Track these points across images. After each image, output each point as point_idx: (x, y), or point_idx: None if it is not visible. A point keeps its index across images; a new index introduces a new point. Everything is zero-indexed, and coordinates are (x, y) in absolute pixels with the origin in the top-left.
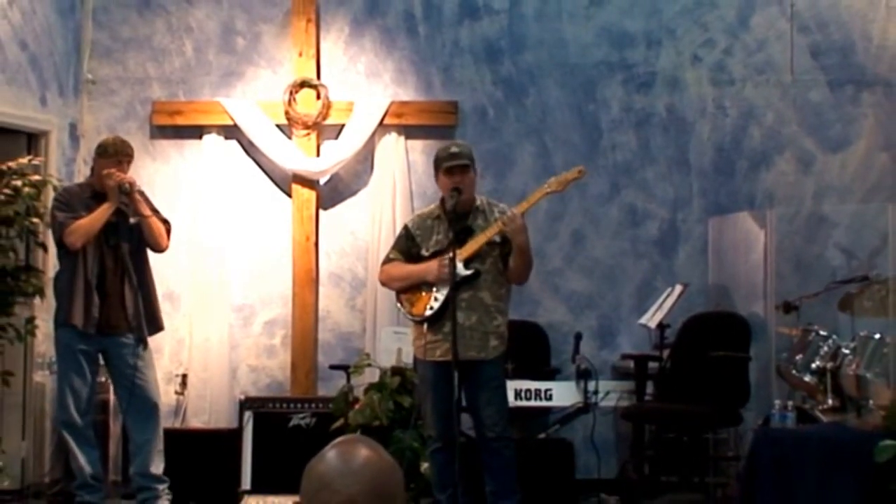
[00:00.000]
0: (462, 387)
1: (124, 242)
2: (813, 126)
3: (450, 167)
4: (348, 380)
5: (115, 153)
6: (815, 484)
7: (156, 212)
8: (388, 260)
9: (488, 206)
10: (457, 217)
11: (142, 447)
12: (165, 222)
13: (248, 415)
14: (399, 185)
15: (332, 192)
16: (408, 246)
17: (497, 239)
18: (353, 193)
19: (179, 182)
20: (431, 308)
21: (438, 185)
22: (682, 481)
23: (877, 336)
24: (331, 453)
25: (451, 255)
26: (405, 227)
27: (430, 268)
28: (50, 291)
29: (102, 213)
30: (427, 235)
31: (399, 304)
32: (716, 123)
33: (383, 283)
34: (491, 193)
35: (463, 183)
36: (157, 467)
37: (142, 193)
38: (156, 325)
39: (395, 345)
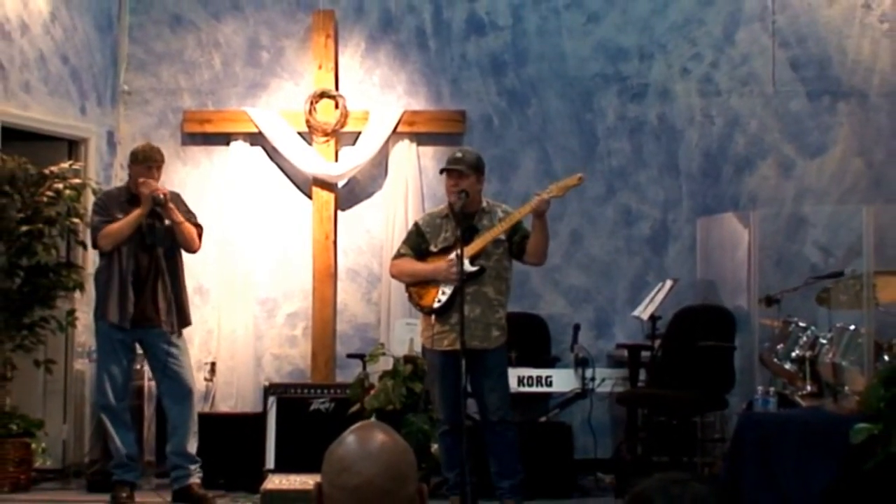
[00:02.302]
0: (467, 374)
1: (160, 244)
2: (793, 133)
3: (445, 170)
4: (364, 367)
5: (144, 160)
6: (794, 463)
7: (190, 213)
8: (398, 255)
9: (492, 208)
10: (464, 217)
11: (178, 428)
12: (198, 227)
13: (271, 400)
14: (411, 187)
15: (349, 195)
16: (418, 242)
17: (502, 237)
18: (369, 195)
19: (208, 185)
20: (439, 301)
21: (445, 188)
22: (673, 461)
23: (852, 327)
24: (350, 438)
25: (458, 252)
26: (416, 225)
27: (438, 268)
28: (89, 286)
29: (134, 218)
30: (436, 233)
31: (408, 296)
32: (703, 131)
33: (394, 276)
34: (496, 196)
35: (458, 186)
36: (192, 447)
37: (179, 197)
38: (184, 321)
39: (408, 335)
